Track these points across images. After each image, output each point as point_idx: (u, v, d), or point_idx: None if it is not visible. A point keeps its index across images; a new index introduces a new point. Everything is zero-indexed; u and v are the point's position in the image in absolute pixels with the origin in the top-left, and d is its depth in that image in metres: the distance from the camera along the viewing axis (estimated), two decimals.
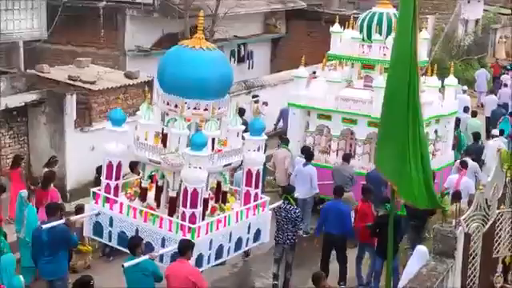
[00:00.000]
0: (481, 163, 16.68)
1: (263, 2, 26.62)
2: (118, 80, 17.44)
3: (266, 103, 20.06)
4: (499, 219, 10.38)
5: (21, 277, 10.36)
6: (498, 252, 10.46)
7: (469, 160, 15.78)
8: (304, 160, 14.99)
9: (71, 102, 15.95)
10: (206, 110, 10.42)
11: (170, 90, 10.45)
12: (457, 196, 13.29)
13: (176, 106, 10.36)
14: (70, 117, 15.96)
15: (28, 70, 16.80)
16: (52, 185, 13.19)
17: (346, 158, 15.06)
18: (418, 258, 10.31)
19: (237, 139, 10.78)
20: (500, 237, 10.41)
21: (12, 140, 15.99)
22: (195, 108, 10.38)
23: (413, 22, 9.32)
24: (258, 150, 10.92)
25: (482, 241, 10.07)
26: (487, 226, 10.12)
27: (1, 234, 10.85)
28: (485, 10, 34.70)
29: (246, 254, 13.42)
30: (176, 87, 10.35)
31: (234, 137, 10.77)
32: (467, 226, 9.83)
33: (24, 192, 12.49)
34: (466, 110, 20.62)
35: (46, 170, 13.91)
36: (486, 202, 10.09)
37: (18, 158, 14.81)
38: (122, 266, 9.79)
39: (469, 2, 32.53)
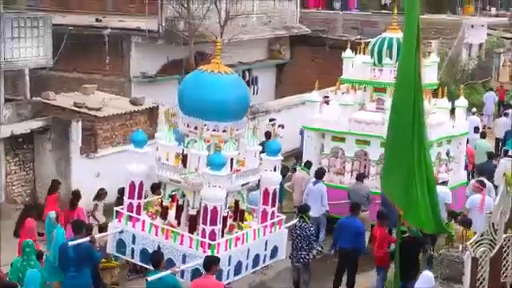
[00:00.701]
0: (491, 182, 16.68)
1: (267, 28, 26.76)
2: (123, 106, 17.51)
3: (282, 126, 20.42)
4: (506, 244, 10.34)
5: None
6: (505, 277, 10.40)
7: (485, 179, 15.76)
8: (315, 179, 15.29)
9: (77, 129, 16.01)
10: (224, 131, 10.86)
11: (189, 113, 10.92)
12: (467, 223, 13.20)
13: (196, 128, 10.82)
14: (75, 143, 16.01)
15: (34, 98, 16.87)
16: (78, 204, 13.55)
17: (360, 177, 15.37)
18: (424, 283, 10.26)
19: (254, 159, 11.17)
20: (508, 261, 10.36)
21: (18, 167, 16.04)
22: (214, 130, 10.82)
23: (416, 47, 9.38)
24: (275, 169, 11.29)
25: (490, 265, 10.02)
26: (494, 251, 10.07)
27: (32, 252, 11.01)
28: (488, 35, 34.78)
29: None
30: (196, 110, 10.82)
31: (252, 157, 11.15)
32: (474, 250, 9.79)
33: (52, 213, 12.76)
34: (476, 130, 20.80)
35: (96, 203, 14.23)
36: (493, 227, 10.06)
37: (56, 183, 14.80)
38: (146, 279, 10.12)
39: (472, 27, 32.63)
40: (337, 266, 13.27)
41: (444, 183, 15.16)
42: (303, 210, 13.23)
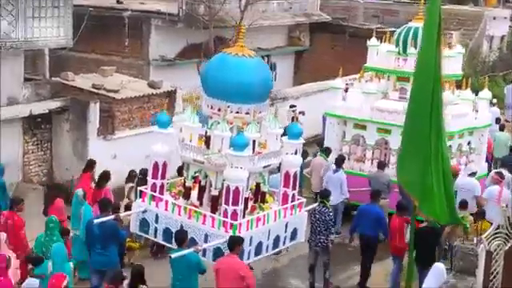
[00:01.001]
0: None
1: (288, 15, 26.66)
2: (141, 89, 17.53)
3: (302, 112, 20.48)
4: None
5: (71, 263, 11.08)
6: None
7: (505, 171, 15.76)
8: (335, 166, 15.44)
9: (95, 110, 16.06)
10: (247, 113, 11.05)
11: (213, 95, 11.11)
12: (481, 214, 13.23)
13: (219, 110, 11.05)
14: (93, 125, 16.06)
15: (53, 78, 16.94)
16: (107, 184, 13.78)
17: (381, 165, 15.55)
18: (435, 274, 10.24)
19: (275, 142, 11.33)
20: None
21: (35, 146, 16.12)
22: (237, 112, 11.01)
23: (437, 37, 9.32)
24: (296, 153, 11.44)
25: (504, 259, 9.96)
26: (509, 245, 10.00)
27: (56, 228, 11.34)
28: (510, 27, 34.47)
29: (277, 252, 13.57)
30: (219, 92, 11.00)
31: (273, 140, 11.32)
32: (489, 243, 9.73)
33: (80, 191, 13.04)
34: (497, 121, 20.79)
35: (131, 185, 14.34)
36: (509, 220, 9.99)
37: (92, 162, 14.88)
38: (170, 256, 10.37)
39: (494, 19, 32.34)
40: (361, 252, 13.50)
41: (472, 174, 15.37)
42: (324, 195, 13.37)
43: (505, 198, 14.38)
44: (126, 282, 9.99)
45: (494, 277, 9.91)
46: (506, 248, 9.96)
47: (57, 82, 16.73)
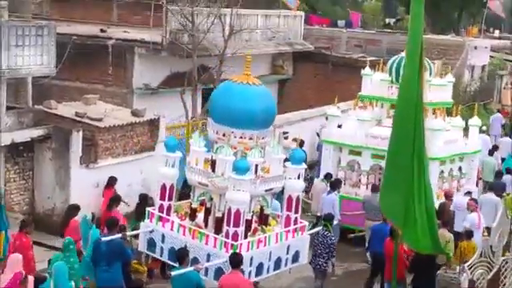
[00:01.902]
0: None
1: (271, 44, 26.80)
2: (124, 118, 17.51)
3: (295, 139, 20.45)
4: (504, 266, 10.30)
5: (72, 283, 11.29)
6: None
7: (491, 194, 16.37)
8: (329, 189, 16.01)
9: (77, 139, 16.00)
10: (250, 139, 11.66)
11: (219, 120, 11.75)
12: (469, 235, 13.32)
13: (224, 135, 11.68)
14: (75, 153, 15.99)
15: (36, 106, 16.87)
16: (116, 208, 14.35)
17: (375, 188, 15.77)
18: None
19: (278, 166, 11.90)
20: (505, 284, 10.33)
21: (17, 175, 16.02)
22: (241, 137, 11.61)
23: (419, 65, 9.40)
24: (298, 177, 11.92)
25: None
26: (492, 273, 10.04)
27: (74, 250, 11.76)
28: (491, 57, 34.87)
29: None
30: (224, 117, 11.63)
31: (276, 164, 11.90)
32: (472, 272, 9.75)
33: (88, 215, 13.70)
34: (494, 149, 22.07)
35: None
36: (491, 249, 10.02)
37: (113, 179, 15.82)
38: (170, 274, 10.88)
39: (475, 48, 32.70)
40: (371, 268, 14.00)
41: (468, 193, 15.97)
42: (328, 218, 13.76)
43: (482, 223, 14.58)
44: None
45: None
46: (489, 277, 9.99)
47: (39, 110, 16.66)
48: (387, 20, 43.71)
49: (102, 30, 22.36)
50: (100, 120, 16.75)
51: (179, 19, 21.75)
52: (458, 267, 9.71)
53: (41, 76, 17.16)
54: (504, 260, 10.29)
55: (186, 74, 21.80)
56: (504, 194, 16.96)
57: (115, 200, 14.59)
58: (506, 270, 10.31)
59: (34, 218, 15.06)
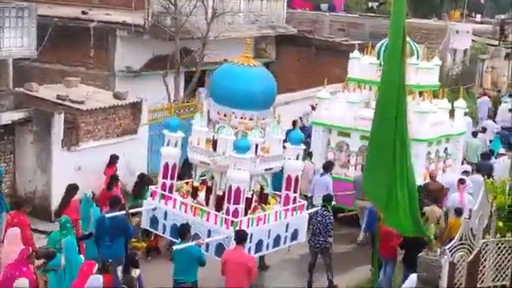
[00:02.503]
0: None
1: (254, 27, 26.70)
2: (106, 100, 17.42)
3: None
4: (484, 249, 10.38)
5: (82, 256, 11.63)
6: (482, 282, 10.45)
7: (478, 176, 16.58)
8: (322, 170, 16.36)
9: (59, 121, 15.90)
10: (251, 119, 12.06)
11: (220, 101, 12.15)
12: (458, 212, 13.86)
13: (225, 115, 12.09)
14: (57, 136, 15.90)
15: (16, 89, 16.74)
16: (116, 187, 14.67)
17: None
18: (410, 282, 10.38)
19: (278, 147, 12.26)
20: (485, 267, 10.41)
21: None
22: (241, 117, 12.04)
23: (402, 49, 9.42)
24: (297, 158, 12.36)
25: (467, 270, 10.07)
26: (472, 256, 10.11)
27: (71, 228, 11.90)
28: (473, 41, 34.99)
29: (264, 267, 14.06)
30: (225, 98, 12.05)
31: (276, 145, 12.26)
32: (452, 255, 9.82)
33: (89, 193, 13.97)
34: (483, 131, 22.94)
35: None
36: (472, 232, 10.09)
37: (114, 157, 16.23)
38: (172, 248, 11.31)
39: (457, 33, 32.79)
40: (372, 248, 13.90)
41: (465, 173, 16.64)
42: (327, 199, 13.96)
43: (466, 202, 14.80)
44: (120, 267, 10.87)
45: (458, 287, 10.00)
46: (469, 259, 10.07)
47: (20, 93, 16.54)
48: (370, 4, 43.66)
49: (83, 12, 22.17)
50: (82, 103, 16.66)
51: (161, 2, 21.63)
52: (438, 250, 9.80)
53: (21, 58, 17.04)
54: (484, 243, 10.36)
55: (169, 56, 21.73)
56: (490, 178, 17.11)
57: (115, 178, 14.86)
58: (486, 252, 10.38)
59: (16, 201, 14.94)
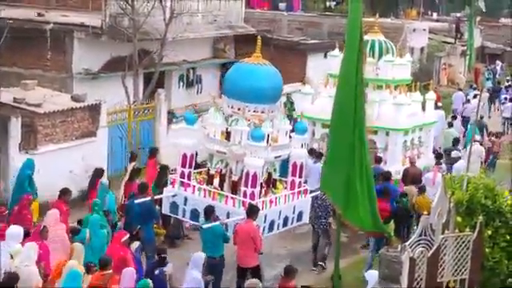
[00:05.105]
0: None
1: (212, 27, 26.69)
2: (64, 103, 17.27)
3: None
4: (443, 244, 10.51)
5: (105, 231, 12.74)
6: (442, 277, 10.57)
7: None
8: (314, 158, 17.44)
9: (16, 125, 15.73)
10: (262, 112, 13.42)
11: (233, 96, 13.53)
12: (420, 189, 15.56)
13: (239, 109, 13.42)
14: (14, 139, 15.73)
15: None
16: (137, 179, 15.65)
17: None
18: (371, 280, 10.49)
19: (285, 137, 13.67)
20: (444, 262, 10.53)
21: None
22: (254, 111, 13.37)
23: (359, 46, 9.51)
24: (302, 146, 13.93)
25: (427, 266, 10.18)
26: (432, 251, 10.23)
27: (100, 209, 13.23)
28: (430, 39, 35.45)
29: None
30: (239, 94, 13.42)
31: (283, 135, 13.68)
32: (412, 250, 9.92)
33: (106, 180, 15.41)
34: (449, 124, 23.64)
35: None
36: (431, 228, 10.21)
37: (155, 149, 17.63)
38: (201, 227, 12.61)
39: (414, 31, 33.18)
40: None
41: (458, 158, 18.66)
42: None
43: (437, 181, 15.87)
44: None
45: (418, 283, 10.11)
46: (429, 254, 10.18)
47: None
48: (328, 3, 43.95)
49: (39, 14, 21.91)
50: (39, 106, 16.49)
51: (119, 2, 21.50)
52: (399, 246, 9.90)
53: None
54: (443, 238, 10.49)
55: (127, 58, 21.58)
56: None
57: (136, 172, 15.94)
58: (445, 247, 10.50)
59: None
